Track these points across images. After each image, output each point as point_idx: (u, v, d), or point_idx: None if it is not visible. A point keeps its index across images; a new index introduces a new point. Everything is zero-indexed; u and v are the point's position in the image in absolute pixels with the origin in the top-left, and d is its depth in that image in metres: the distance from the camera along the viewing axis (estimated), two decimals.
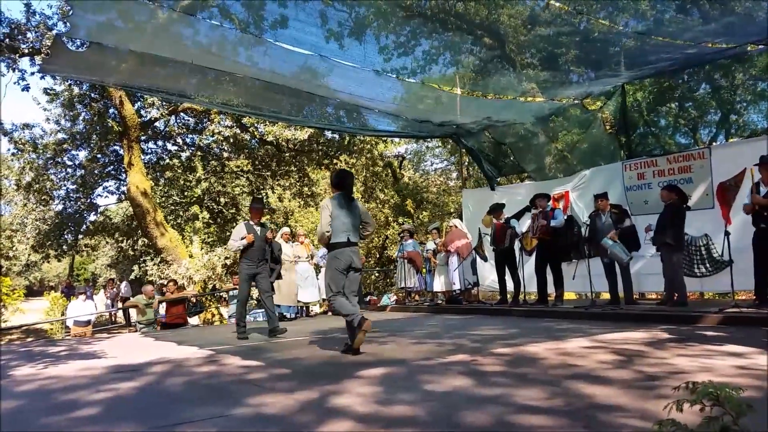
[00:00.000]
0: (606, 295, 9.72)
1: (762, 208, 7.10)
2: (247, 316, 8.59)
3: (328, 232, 5.66)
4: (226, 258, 15.52)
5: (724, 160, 9.10)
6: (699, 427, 1.59)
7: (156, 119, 18.19)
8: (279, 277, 8.88)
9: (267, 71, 9.31)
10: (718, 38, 8.72)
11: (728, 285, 7.69)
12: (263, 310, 10.65)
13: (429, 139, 22.29)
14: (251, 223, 7.93)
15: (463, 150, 14.59)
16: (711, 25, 8.46)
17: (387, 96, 10.59)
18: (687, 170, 9.50)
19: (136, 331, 11.81)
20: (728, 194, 8.92)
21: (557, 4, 8.79)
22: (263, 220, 8.36)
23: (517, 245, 10.19)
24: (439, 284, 11.74)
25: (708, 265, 9.10)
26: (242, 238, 7.67)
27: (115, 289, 22.02)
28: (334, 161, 19.80)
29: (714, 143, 14.94)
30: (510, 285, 10.34)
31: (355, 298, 5.89)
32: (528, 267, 10.22)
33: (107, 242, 26.75)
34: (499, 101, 11.79)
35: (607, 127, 12.00)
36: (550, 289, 9.78)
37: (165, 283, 13.85)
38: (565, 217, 10.06)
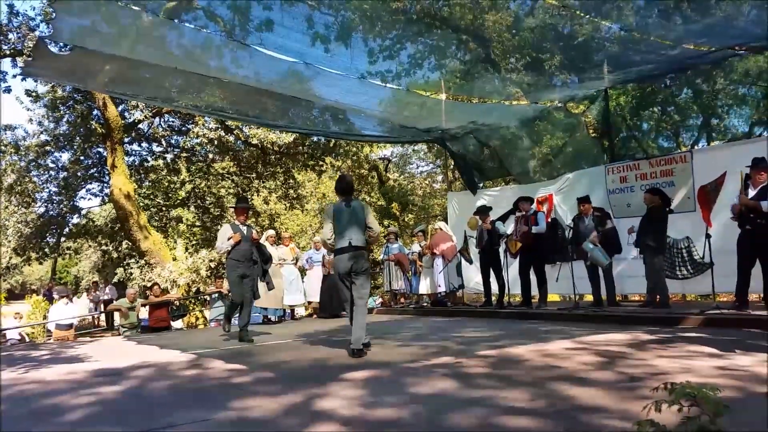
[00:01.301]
0: (589, 297, 9.79)
1: (748, 210, 7.17)
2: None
3: (329, 239, 5.78)
4: (211, 261, 15.44)
5: (705, 164, 9.20)
6: (677, 427, 1.61)
7: (140, 121, 18.08)
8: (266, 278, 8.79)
9: (252, 74, 9.29)
10: (700, 39, 8.84)
11: (709, 287, 7.78)
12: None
13: (415, 143, 22.38)
14: (237, 223, 7.81)
15: (449, 153, 14.64)
16: (692, 26, 8.57)
17: (372, 103, 10.62)
18: (669, 174, 9.59)
19: (119, 334, 11.70)
20: (709, 197, 9.02)
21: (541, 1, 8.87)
22: (249, 222, 8.25)
23: (501, 248, 10.23)
24: (424, 287, 11.76)
25: (689, 267, 9.20)
26: (229, 239, 7.57)
27: (98, 292, 21.79)
28: (320, 163, 19.78)
29: (696, 147, 15.12)
30: (495, 287, 10.38)
31: (363, 301, 5.77)
32: (512, 269, 10.26)
33: (90, 245, 26.48)
34: (484, 105, 11.86)
35: (591, 131, 12.11)
36: (534, 291, 9.84)
37: (149, 286, 13.73)
38: (549, 221, 10.12)
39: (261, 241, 9.82)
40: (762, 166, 7.17)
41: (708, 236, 7.56)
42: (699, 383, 1.71)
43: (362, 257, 5.77)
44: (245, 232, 7.71)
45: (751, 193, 7.22)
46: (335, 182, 6.21)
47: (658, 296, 8.36)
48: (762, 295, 7.54)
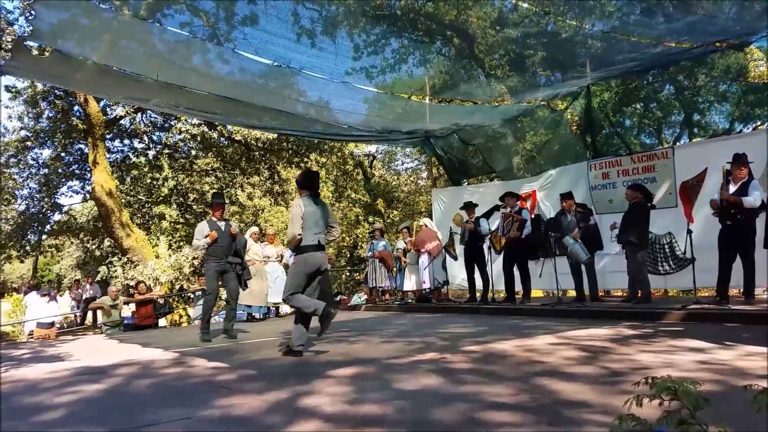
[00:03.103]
0: (572, 293, 9.86)
1: (729, 205, 7.24)
2: (213, 317, 8.30)
3: (299, 234, 5.47)
4: (194, 258, 15.32)
5: (686, 160, 9.29)
6: (658, 421, 1.62)
7: (121, 117, 17.89)
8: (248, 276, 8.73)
9: (236, 70, 9.22)
10: (682, 36, 8.91)
11: (691, 282, 7.86)
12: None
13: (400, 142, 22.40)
14: (213, 219, 7.75)
15: (433, 154, 14.67)
16: (674, 24, 8.65)
17: (356, 106, 10.61)
18: (651, 170, 9.67)
19: (102, 333, 11.59)
20: (691, 193, 9.11)
21: (525, 5, 8.89)
22: (227, 217, 8.16)
23: (486, 244, 10.27)
24: (409, 283, 11.77)
25: (671, 262, 9.29)
26: (206, 236, 7.49)
27: (80, 290, 21.55)
28: (305, 159, 19.70)
29: (678, 143, 15.27)
30: (479, 283, 10.41)
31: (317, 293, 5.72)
32: (496, 265, 10.31)
33: (72, 243, 26.20)
34: (468, 107, 11.89)
35: (574, 128, 12.17)
36: (518, 287, 9.88)
37: (134, 284, 13.62)
38: (533, 217, 10.17)
39: (246, 236, 9.77)
40: (742, 162, 7.25)
41: (689, 232, 7.63)
42: (680, 377, 1.73)
43: (326, 257, 5.77)
44: (223, 228, 7.66)
45: (732, 188, 7.29)
46: (302, 176, 5.89)
47: (640, 291, 8.44)
48: (742, 290, 7.65)
